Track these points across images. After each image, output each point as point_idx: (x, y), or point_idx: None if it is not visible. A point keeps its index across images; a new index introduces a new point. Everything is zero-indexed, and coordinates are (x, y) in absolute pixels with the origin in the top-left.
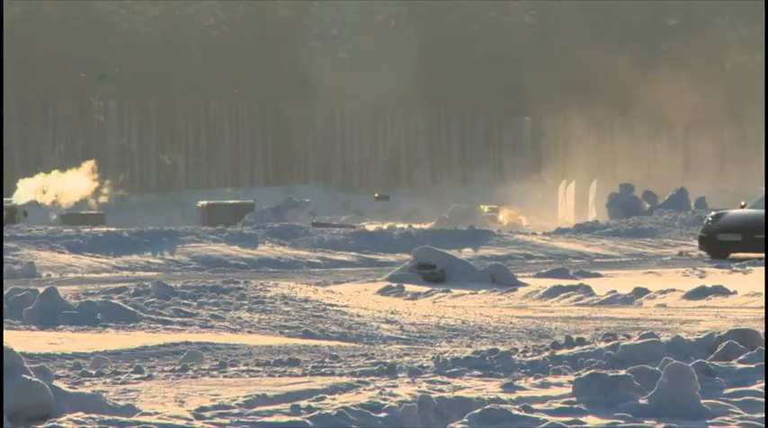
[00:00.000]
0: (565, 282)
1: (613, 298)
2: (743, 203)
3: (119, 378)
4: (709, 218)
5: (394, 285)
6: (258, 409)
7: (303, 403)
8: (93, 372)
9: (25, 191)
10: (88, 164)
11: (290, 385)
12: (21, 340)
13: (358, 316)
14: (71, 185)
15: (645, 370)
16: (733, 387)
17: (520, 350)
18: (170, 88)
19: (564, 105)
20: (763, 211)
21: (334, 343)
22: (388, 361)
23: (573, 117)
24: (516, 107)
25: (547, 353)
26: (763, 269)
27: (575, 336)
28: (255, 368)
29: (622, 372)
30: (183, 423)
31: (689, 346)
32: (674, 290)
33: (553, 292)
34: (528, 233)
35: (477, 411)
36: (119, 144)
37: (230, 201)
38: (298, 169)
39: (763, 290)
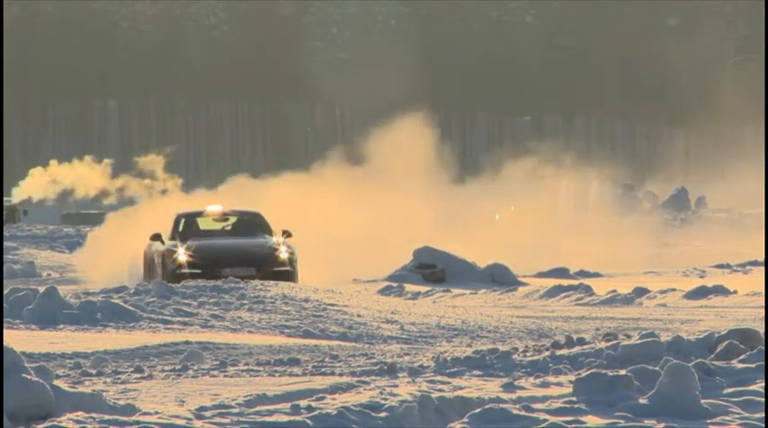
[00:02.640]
0: (565, 282)
1: (613, 298)
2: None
3: (119, 378)
4: (178, 247)
5: (394, 285)
6: (258, 409)
7: (303, 402)
8: (94, 372)
9: (85, 172)
10: (169, 150)
11: (290, 384)
12: (21, 339)
13: (358, 315)
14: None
15: (645, 369)
16: (733, 387)
17: (520, 349)
18: (170, 88)
19: (564, 105)
20: (240, 239)
21: (334, 343)
22: (389, 360)
23: (573, 116)
24: (516, 107)
25: (547, 353)
26: (763, 269)
27: (575, 336)
28: (256, 367)
29: (622, 372)
30: (183, 422)
31: (689, 346)
32: (674, 290)
33: (553, 292)
34: None
35: (478, 410)
36: (119, 143)
37: None
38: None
39: (763, 290)
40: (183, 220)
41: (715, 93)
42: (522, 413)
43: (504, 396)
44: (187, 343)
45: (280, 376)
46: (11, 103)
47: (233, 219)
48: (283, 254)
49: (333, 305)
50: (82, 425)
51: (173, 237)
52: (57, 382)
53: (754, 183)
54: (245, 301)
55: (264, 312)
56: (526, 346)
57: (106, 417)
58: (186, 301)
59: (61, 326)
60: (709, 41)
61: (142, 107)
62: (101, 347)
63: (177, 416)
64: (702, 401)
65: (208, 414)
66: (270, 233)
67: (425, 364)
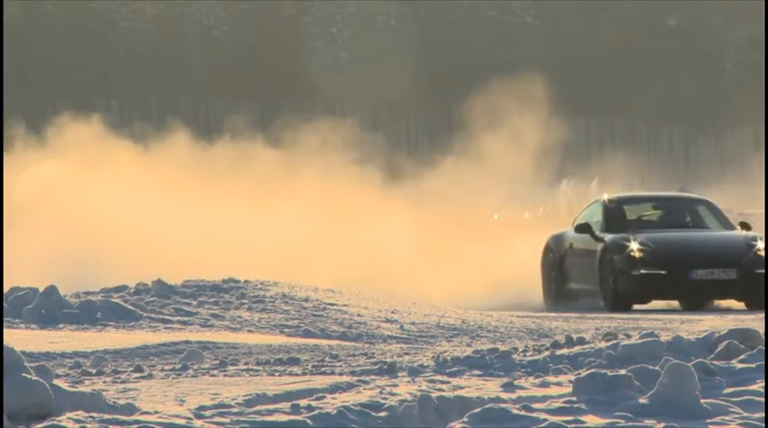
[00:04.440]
0: None
1: None
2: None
3: (119, 377)
4: (630, 241)
5: None
6: (258, 408)
7: (303, 402)
8: (94, 371)
9: None
10: None
11: (290, 384)
12: (21, 339)
13: (358, 315)
14: None
15: (645, 369)
16: (733, 386)
17: (520, 349)
18: (170, 87)
19: (564, 105)
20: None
21: (334, 343)
22: (389, 360)
23: (573, 116)
24: (516, 106)
25: (547, 353)
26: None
27: (575, 336)
28: (255, 367)
29: (622, 372)
30: (183, 422)
31: (689, 346)
32: None
33: None
34: None
35: (477, 410)
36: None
37: None
38: None
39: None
40: (619, 207)
41: (715, 93)
42: (522, 412)
43: (504, 395)
44: (187, 342)
45: (279, 375)
46: (11, 103)
47: (669, 208)
48: (763, 252)
49: (333, 304)
50: (82, 425)
51: (609, 229)
52: (57, 381)
53: (754, 184)
54: (245, 300)
55: (264, 311)
56: (526, 346)
57: (106, 416)
58: (186, 300)
59: (61, 326)
60: (710, 41)
61: (142, 107)
62: (101, 346)
63: (177, 416)
64: (702, 401)
65: (208, 413)
66: (728, 226)
67: (425, 364)
